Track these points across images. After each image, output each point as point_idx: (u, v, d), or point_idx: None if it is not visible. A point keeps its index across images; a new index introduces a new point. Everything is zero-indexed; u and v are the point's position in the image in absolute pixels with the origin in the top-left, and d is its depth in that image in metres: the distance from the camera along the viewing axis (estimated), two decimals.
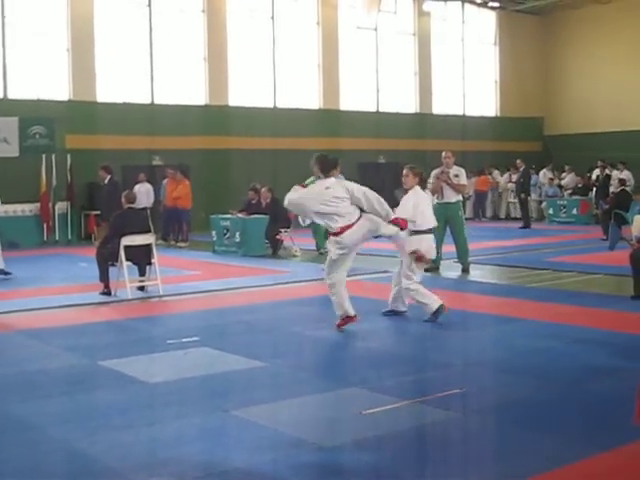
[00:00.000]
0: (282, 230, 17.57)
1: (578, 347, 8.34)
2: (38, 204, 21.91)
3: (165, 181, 21.26)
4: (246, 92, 26.84)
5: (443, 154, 14.49)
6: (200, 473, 5.00)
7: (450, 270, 14.31)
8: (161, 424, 6.01)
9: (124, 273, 12.02)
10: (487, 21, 33.81)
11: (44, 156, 21.94)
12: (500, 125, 33.51)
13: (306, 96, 28.31)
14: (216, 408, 6.38)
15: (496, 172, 29.59)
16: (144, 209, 17.16)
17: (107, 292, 12.15)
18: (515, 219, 26.71)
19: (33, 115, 22.13)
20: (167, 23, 25.26)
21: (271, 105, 27.47)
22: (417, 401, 6.37)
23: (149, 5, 24.85)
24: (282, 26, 27.67)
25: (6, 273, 14.26)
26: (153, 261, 12.35)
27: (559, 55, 34.08)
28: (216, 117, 25.83)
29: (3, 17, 22.35)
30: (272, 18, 27.40)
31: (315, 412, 6.32)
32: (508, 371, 7.38)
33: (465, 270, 14.26)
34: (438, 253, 14.26)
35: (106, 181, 17.46)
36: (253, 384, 7.17)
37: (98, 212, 18.15)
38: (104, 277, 12.23)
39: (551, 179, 27.96)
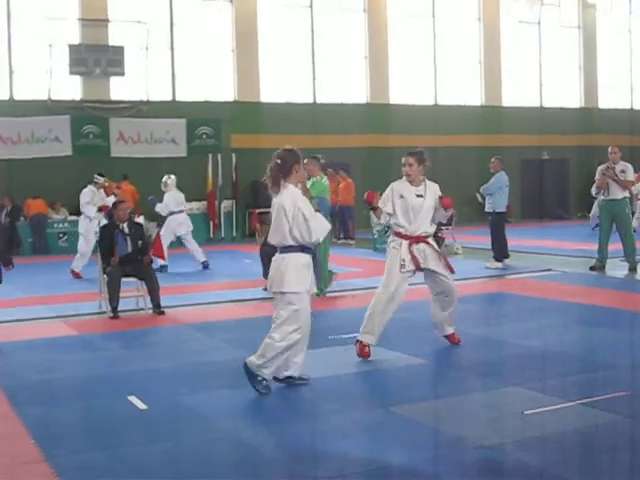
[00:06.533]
0: (443, 227, 17.40)
1: None
2: (205, 202, 22.62)
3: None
4: (407, 90, 26.85)
5: (609, 149, 14.10)
6: (359, 469, 5.04)
7: (617, 269, 13.86)
8: (321, 419, 6.10)
9: None
10: None
11: (210, 156, 22.65)
12: None
13: (468, 92, 28.03)
14: (375, 404, 6.41)
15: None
16: None
17: None
18: None
19: (200, 116, 22.91)
20: (328, 23, 25.57)
21: (432, 103, 27.34)
22: (581, 403, 6.20)
23: (310, 6, 25.23)
24: (443, 23, 27.51)
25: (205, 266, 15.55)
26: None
27: None
28: (377, 115, 25.93)
29: (172, 24, 23.18)
30: (433, 15, 27.28)
31: (475, 411, 6.25)
32: None
33: (632, 269, 13.78)
34: (604, 251, 13.92)
35: None
36: (413, 381, 7.17)
37: (262, 210, 18.52)
38: (268, 273, 12.46)
39: None
